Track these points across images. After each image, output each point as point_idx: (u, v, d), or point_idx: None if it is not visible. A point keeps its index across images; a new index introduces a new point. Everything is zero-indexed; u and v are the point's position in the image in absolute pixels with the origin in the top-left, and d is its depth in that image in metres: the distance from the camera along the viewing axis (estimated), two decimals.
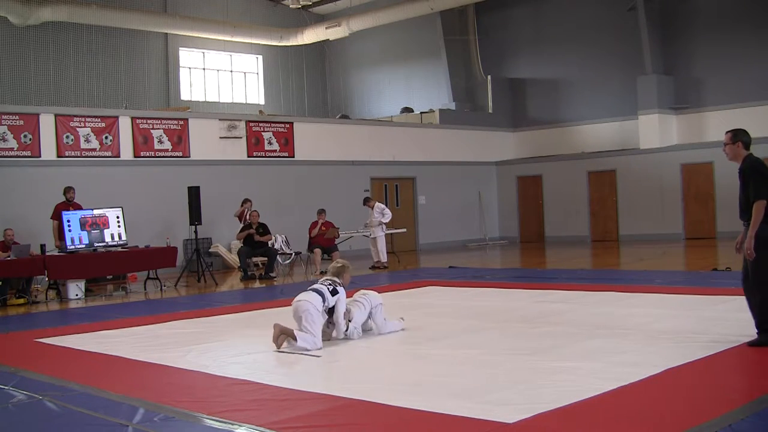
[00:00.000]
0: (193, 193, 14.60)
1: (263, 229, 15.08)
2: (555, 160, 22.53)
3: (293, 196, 18.57)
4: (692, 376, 5.39)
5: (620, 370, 5.48)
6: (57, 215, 13.30)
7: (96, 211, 13.33)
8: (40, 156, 15.27)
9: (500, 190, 23.64)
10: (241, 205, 16.00)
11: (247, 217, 15.36)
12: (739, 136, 6.26)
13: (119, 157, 16.34)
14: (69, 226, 12.81)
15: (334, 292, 7.16)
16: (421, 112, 23.29)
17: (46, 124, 15.41)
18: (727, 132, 6.40)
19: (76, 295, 12.66)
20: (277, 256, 15.81)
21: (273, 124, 19.06)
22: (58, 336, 8.51)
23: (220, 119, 18.33)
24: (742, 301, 8.69)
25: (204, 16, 23.21)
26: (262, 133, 18.69)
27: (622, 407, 4.65)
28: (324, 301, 7.06)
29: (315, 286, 7.25)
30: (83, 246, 12.90)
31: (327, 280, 7.34)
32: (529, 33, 23.69)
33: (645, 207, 20.49)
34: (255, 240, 14.91)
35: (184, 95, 24.01)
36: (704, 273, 11.82)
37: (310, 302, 7.03)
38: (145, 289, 13.63)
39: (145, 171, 16.62)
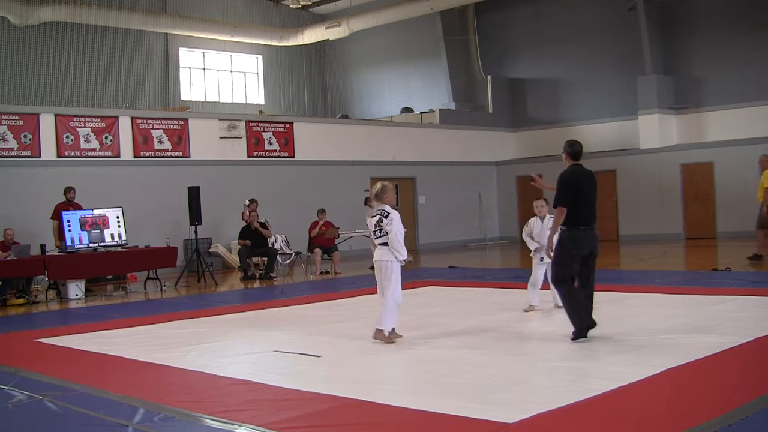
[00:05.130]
0: (193, 193, 14.60)
1: (263, 227, 15.16)
2: (555, 160, 22.33)
3: (293, 196, 18.56)
4: (692, 376, 5.39)
5: (620, 370, 5.48)
6: (57, 215, 13.30)
7: (96, 211, 13.32)
8: (40, 156, 15.26)
9: (500, 190, 23.63)
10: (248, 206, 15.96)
11: (247, 215, 15.32)
12: (564, 148, 6.93)
13: (119, 157, 16.33)
14: (69, 226, 12.80)
15: (385, 217, 7.22)
16: (421, 112, 23.27)
17: (46, 124, 15.40)
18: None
19: (76, 295, 12.66)
20: (277, 256, 15.81)
21: (273, 124, 19.06)
22: (58, 336, 8.50)
23: (220, 119, 18.32)
24: (742, 300, 8.75)
25: (204, 16, 23.21)
26: (262, 133, 18.69)
27: (622, 407, 4.65)
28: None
29: (373, 226, 7.26)
30: (83, 246, 12.90)
31: (375, 212, 7.38)
32: (529, 33, 23.68)
33: (645, 207, 20.47)
34: (255, 230, 14.90)
35: (184, 95, 24.01)
36: (704, 273, 11.81)
37: (384, 260, 7.15)
38: (145, 289, 13.62)
39: (145, 171, 16.61)
